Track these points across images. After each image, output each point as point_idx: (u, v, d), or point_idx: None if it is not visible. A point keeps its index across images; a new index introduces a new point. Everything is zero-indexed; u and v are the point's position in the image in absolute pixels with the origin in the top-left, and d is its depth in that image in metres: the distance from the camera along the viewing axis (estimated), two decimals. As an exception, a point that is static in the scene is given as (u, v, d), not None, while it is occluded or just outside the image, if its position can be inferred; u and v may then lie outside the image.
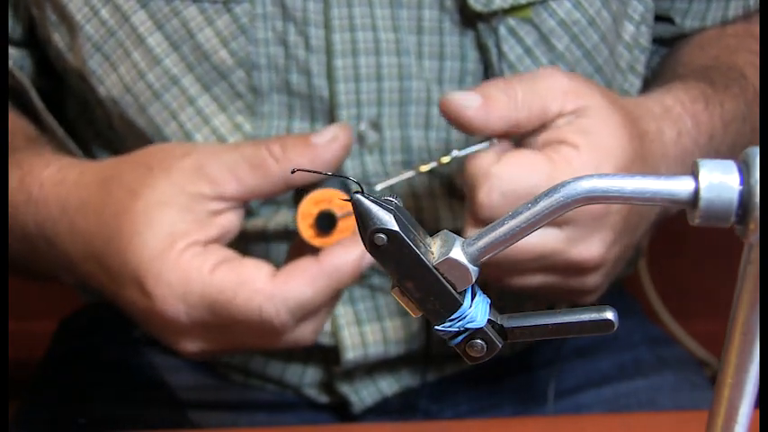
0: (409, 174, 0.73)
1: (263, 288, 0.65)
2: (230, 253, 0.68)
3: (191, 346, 0.69)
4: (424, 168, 0.72)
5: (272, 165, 0.67)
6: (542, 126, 0.68)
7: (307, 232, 0.69)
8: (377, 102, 0.78)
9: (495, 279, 0.70)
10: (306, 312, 0.67)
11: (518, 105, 0.67)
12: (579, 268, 0.69)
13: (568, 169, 0.65)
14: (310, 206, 0.69)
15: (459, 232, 0.45)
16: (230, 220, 0.69)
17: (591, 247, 0.68)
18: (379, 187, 0.73)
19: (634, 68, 0.84)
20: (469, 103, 0.67)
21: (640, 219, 0.73)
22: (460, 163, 0.70)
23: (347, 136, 0.69)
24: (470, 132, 0.68)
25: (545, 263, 0.68)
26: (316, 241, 0.69)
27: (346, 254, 0.66)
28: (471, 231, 0.67)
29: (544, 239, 0.67)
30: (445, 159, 0.71)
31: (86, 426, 0.87)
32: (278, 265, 0.82)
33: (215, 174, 0.67)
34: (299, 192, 0.70)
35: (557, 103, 0.67)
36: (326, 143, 0.68)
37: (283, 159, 0.67)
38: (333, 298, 0.68)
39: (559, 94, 0.67)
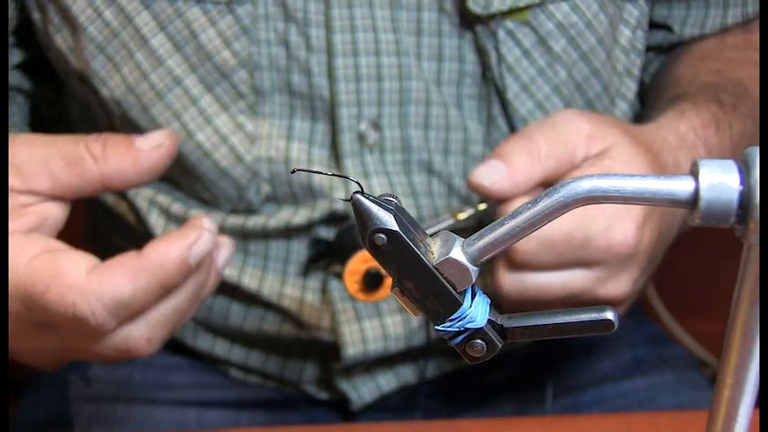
0: (448, 222, 0.73)
1: (76, 283, 0.60)
2: (55, 243, 0.63)
3: (19, 345, 0.65)
4: (462, 216, 0.73)
5: (89, 163, 0.64)
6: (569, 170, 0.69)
7: (353, 287, 0.71)
8: (377, 101, 0.78)
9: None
10: (128, 312, 0.62)
11: (542, 160, 0.67)
12: (606, 304, 0.69)
13: (598, 212, 0.66)
14: (358, 264, 0.71)
15: (457, 232, 0.45)
16: (48, 209, 0.65)
17: (618, 285, 0.69)
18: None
19: (630, 72, 0.84)
20: (495, 175, 0.67)
21: (662, 249, 0.74)
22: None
23: (173, 144, 0.67)
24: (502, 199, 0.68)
25: (574, 300, 0.69)
26: (360, 296, 0.71)
27: (169, 247, 0.61)
28: (506, 275, 0.68)
29: (575, 280, 0.68)
30: (482, 206, 0.72)
31: (86, 426, 0.87)
32: (276, 263, 0.83)
33: (25, 168, 0.64)
34: (341, 248, 0.72)
35: (582, 149, 0.68)
36: (150, 149, 0.66)
37: (102, 159, 0.64)
38: (161, 296, 0.63)
39: (583, 139, 0.68)
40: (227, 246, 0.68)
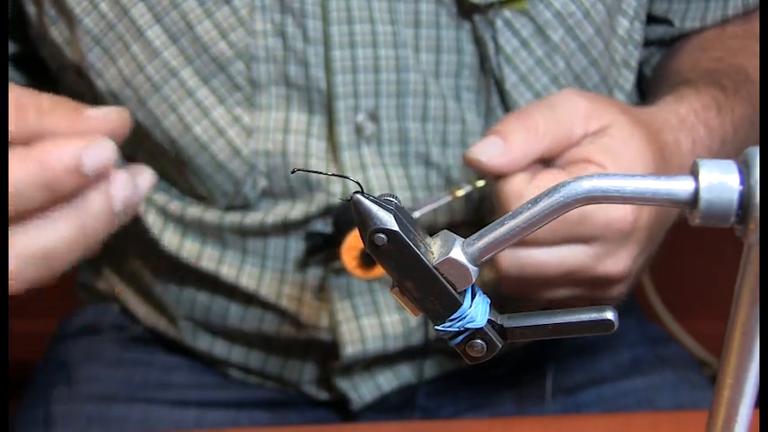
0: (446, 199, 0.73)
1: None
2: None
3: None
4: (460, 193, 0.73)
5: (32, 114, 0.58)
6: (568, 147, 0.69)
7: (351, 263, 0.71)
8: (374, 93, 0.77)
9: (523, 293, 0.71)
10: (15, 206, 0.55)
11: (539, 137, 0.67)
12: (606, 281, 0.70)
13: None
14: (356, 240, 0.71)
15: (455, 227, 0.45)
16: None
17: (617, 262, 0.69)
18: (416, 214, 0.73)
19: (628, 63, 0.84)
20: (492, 151, 0.67)
21: (661, 229, 0.73)
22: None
23: (122, 121, 0.61)
24: (499, 176, 0.68)
25: (573, 277, 0.69)
26: (358, 272, 0.71)
27: (58, 145, 0.55)
28: (504, 252, 0.68)
29: (573, 256, 0.67)
30: (480, 183, 0.72)
31: (86, 426, 0.87)
32: (275, 262, 0.83)
33: None
34: (338, 226, 0.73)
35: (580, 127, 0.68)
36: (97, 117, 0.59)
37: (47, 113, 0.58)
38: (42, 203, 0.55)
39: (581, 117, 0.68)
40: (144, 175, 0.62)
